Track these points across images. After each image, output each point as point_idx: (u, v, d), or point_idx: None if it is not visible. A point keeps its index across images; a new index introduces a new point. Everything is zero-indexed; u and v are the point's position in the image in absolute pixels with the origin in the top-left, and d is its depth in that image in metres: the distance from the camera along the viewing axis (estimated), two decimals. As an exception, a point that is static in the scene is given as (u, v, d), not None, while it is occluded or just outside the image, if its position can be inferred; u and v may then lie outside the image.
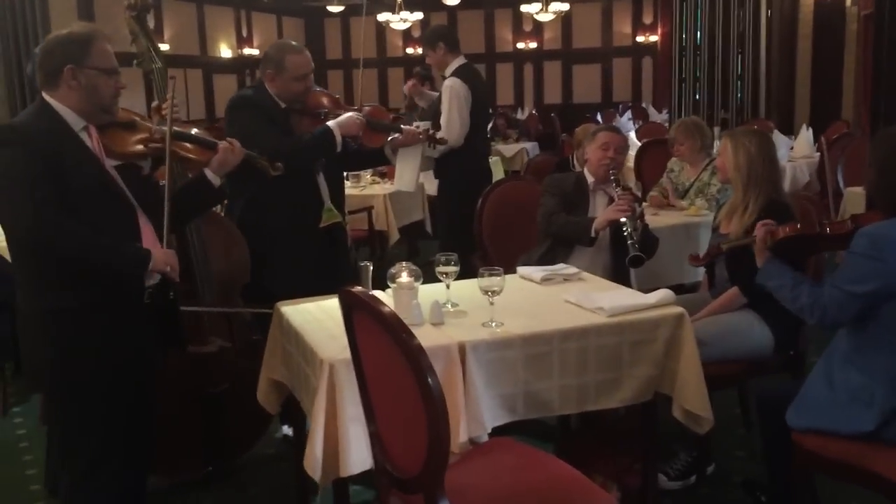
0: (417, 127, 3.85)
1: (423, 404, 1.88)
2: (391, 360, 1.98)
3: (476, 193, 4.36)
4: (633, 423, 3.08)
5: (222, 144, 2.70)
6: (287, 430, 3.59)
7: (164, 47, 15.47)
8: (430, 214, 6.43)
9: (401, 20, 15.94)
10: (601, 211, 3.74)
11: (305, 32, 20.58)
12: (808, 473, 2.52)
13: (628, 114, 13.50)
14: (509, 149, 9.98)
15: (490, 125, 11.44)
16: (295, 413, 3.06)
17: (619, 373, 2.71)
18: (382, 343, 2.00)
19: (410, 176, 4.37)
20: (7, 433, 3.92)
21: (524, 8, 15.90)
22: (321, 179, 3.54)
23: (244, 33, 18.23)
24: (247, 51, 17.84)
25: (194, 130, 2.79)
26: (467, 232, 4.32)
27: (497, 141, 10.16)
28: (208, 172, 2.67)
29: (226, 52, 17.65)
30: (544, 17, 15.25)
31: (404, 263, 2.84)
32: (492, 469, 2.30)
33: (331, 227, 2.82)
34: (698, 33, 9.81)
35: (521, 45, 19.21)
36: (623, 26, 18.72)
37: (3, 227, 2.40)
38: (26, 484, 3.40)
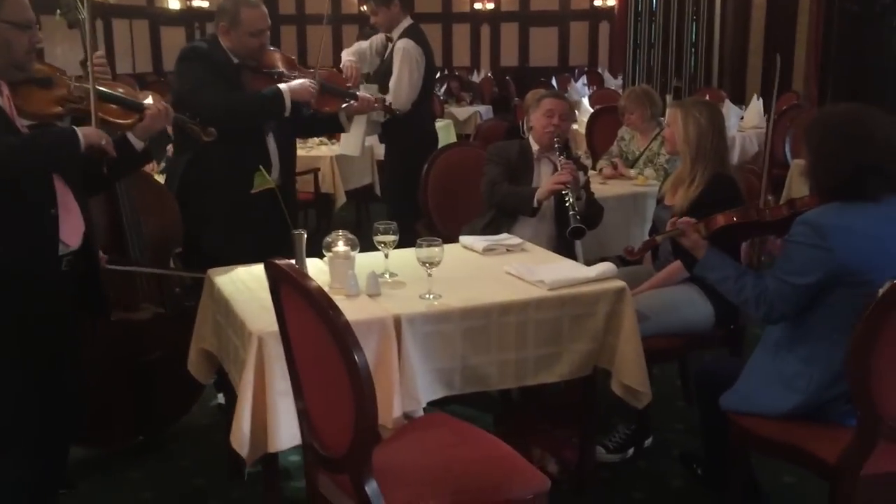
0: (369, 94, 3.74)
1: (350, 383, 1.82)
2: (318, 336, 1.90)
3: (422, 158, 4.26)
4: (572, 397, 3.05)
5: (149, 110, 2.56)
6: (221, 398, 3.50)
7: (108, -3, 15.12)
8: (380, 178, 6.32)
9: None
10: (545, 180, 3.68)
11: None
12: (742, 450, 2.51)
13: (583, 79, 13.43)
14: (462, 112, 9.86)
15: (444, 87, 11.32)
16: (228, 381, 2.98)
17: (558, 347, 2.67)
18: (309, 318, 1.92)
19: (356, 140, 4.27)
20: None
21: (481, -32, 15.66)
22: (271, 141, 3.43)
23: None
24: (196, 2, 17.32)
25: (120, 89, 2.64)
26: (412, 198, 4.23)
27: (450, 103, 10.03)
28: (130, 136, 2.53)
29: (174, 3, 17.13)
30: (502, -22, 15.03)
31: (341, 232, 2.76)
32: (424, 446, 2.24)
33: (265, 192, 2.72)
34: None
35: (478, 6, 18.96)
36: (581, -10, 18.60)
37: None
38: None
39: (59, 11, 2.81)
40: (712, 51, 9.30)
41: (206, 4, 17.46)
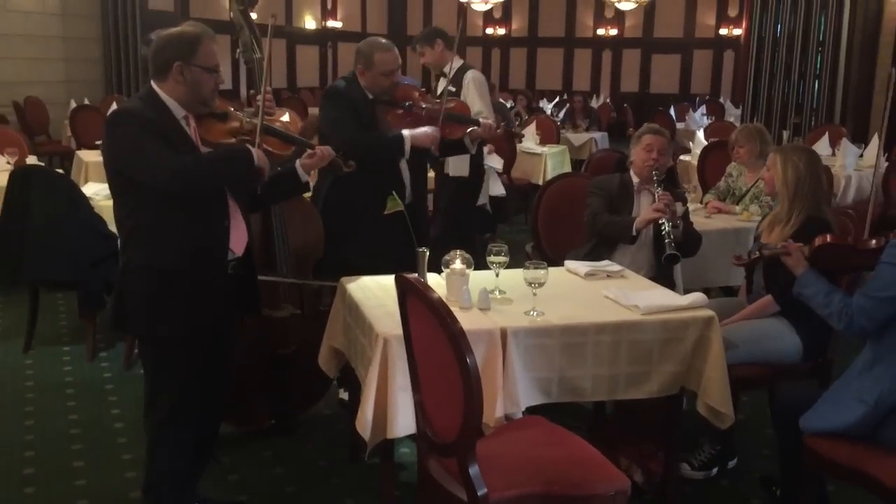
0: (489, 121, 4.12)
1: (462, 381, 2.16)
2: (437, 340, 2.25)
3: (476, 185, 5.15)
4: (660, 414, 3.31)
5: (317, 152, 3.00)
6: (343, 394, 3.91)
7: (252, 16, 16.15)
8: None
9: (482, 1, 16.10)
10: (645, 210, 3.96)
11: (388, 8, 20.89)
12: (814, 473, 2.71)
13: (702, 108, 13.43)
14: (578, 138, 10.11)
15: (564, 111, 11.62)
16: (351, 379, 3.38)
17: (648, 367, 2.94)
18: (430, 325, 2.27)
19: (464, 163, 4.77)
20: (95, 376, 4.34)
21: (607, -5, 15.88)
22: (404, 166, 3.86)
23: (328, 6, 18.63)
24: (330, 23, 18.26)
25: (278, 124, 3.08)
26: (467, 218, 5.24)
27: (566, 129, 10.30)
28: (299, 169, 2.97)
29: (310, 23, 18.09)
30: (626, 6, 15.22)
31: (458, 251, 3.12)
32: (521, 442, 2.56)
33: (395, 214, 3.11)
34: (779, 27, 9.72)
35: (601, 32, 19.18)
36: (707, 17, 18.54)
37: (142, 188, 2.61)
38: (111, 422, 3.80)
39: (238, 51, 3.31)
40: (836, 86, 9.23)
41: (339, 25, 18.38)
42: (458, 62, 5.25)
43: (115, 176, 2.64)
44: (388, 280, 3.23)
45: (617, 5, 15.68)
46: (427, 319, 2.30)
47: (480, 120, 4.00)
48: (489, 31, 20.03)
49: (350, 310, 3.15)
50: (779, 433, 2.99)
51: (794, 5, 9.30)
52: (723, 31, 18.18)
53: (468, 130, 3.96)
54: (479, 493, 2.23)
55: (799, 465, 2.82)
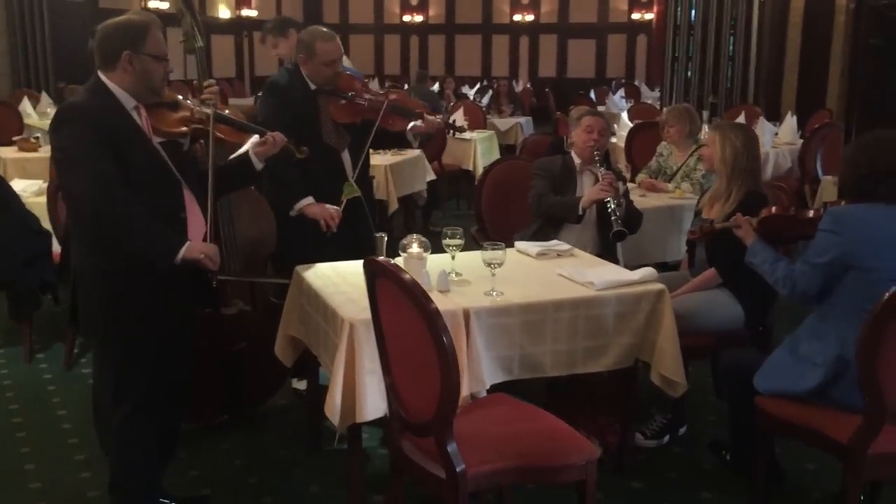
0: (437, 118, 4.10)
1: (438, 359, 2.20)
2: (409, 321, 2.29)
3: None
4: (614, 386, 3.42)
5: (269, 139, 2.95)
6: (298, 383, 3.90)
7: (163, 6, 15.67)
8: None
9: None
10: (588, 190, 4.06)
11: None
12: (767, 434, 2.85)
13: (621, 92, 13.74)
14: (504, 123, 10.22)
15: (488, 97, 11.72)
16: (309, 366, 3.39)
17: (604, 340, 3.04)
18: (402, 306, 2.30)
19: None
20: (35, 378, 4.21)
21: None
22: (346, 156, 3.84)
23: (242, -6, 18.27)
24: (245, 12, 17.91)
25: (227, 111, 3.04)
26: None
27: (492, 114, 10.40)
28: (253, 158, 2.92)
29: (224, 12, 17.72)
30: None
31: (415, 235, 3.15)
32: (489, 419, 2.61)
33: (351, 201, 3.11)
34: (692, 12, 10.00)
35: (517, 18, 19.36)
36: (619, 2, 18.92)
37: (66, 194, 2.66)
38: (59, 423, 3.70)
39: (180, 40, 3.24)
40: (748, 67, 9.58)
41: (254, 14, 18.06)
42: None
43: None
44: (345, 266, 3.28)
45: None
46: (398, 301, 2.33)
47: (425, 115, 4.00)
48: (406, 18, 20.00)
49: (308, 298, 3.14)
50: (729, 396, 3.13)
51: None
52: (635, 16, 18.60)
53: (411, 125, 3.96)
54: (457, 469, 2.28)
55: (750, 426, 2.96)
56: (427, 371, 2.28)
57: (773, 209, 3.03)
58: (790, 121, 7.91)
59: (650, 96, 14.24)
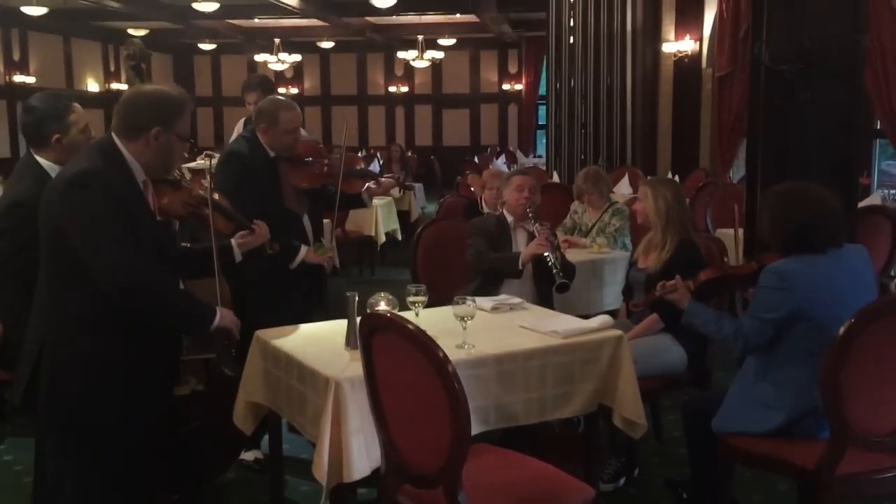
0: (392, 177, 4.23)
1: (449, 407, 2.24)
2: (413, 372, 2.32)
3: None
4: (569, 434, 3.53)
5: (256, 229, 2.95)
6: (246, 453, 3.80)
7: (29, 80, 15.13)
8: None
9: (278, 61, 16.17)
10: (523, 245, 4.22)
11: (174, 68, 20.43)
12: (730, 467, 3.01)
13: (503, 157, 14.26)
14: (396, 189, 10.36)
15: (380, 164, 11.89)
16: (272, 434, 3.32)
17: (571, 387, 3.14)
18: (406, 358, 2.34)
19: None
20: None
21: (400, 54, 16.49)
22: (305, 220, 3.86)
23: (112, 67, 17.92)
24: (115, 85, 17.51)
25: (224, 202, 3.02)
26: None
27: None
28: (235, 247, 2.90)
29: (93, 86, 17.28)
30: (420, 64, 15.89)
31: (381, 293, 3.19)
32: (482, 468, 2.64)
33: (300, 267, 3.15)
34: (572, 80, 10.52)
35: (392, 89, 19.81)
36: (490, 74, 19.72)
37: (85, 266, 2.37)
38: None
39: None
40: (626, 132, 10.17)
41: (123, 87, 17.67)
42: None
43: (61, 248, 2.38)
44: (310, 328, 3.29)
45: (412, 63, 16.29)
46: (402, 353, 2.37)
47: (381, 178, 4.14)
48: (282, 90, 20.06)
49: (276, 361, 3.10)
50: (689, 436, 3.28)
51: (584, 63, 10.17)
52: (506, 87, 19.39)
53: (365, 186, 4.05)
54: (467, 517, 2.31)
55: (710, 463, 3.13)
56: (433, 422, 2.31)
57: (710, 272, 3.19)
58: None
59: (527, 161, 14.85)
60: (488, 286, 4.14)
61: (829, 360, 2.57)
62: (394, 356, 2.41)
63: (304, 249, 3.72)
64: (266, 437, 3.77)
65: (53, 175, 2.90)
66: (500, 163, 13.22)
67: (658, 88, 10.30)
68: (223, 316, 2.54)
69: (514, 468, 2.64)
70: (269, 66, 16.73)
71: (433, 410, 2.30)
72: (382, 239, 8.48)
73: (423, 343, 2.27)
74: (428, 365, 2.27)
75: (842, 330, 2.56)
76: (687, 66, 9.85)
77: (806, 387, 2.80)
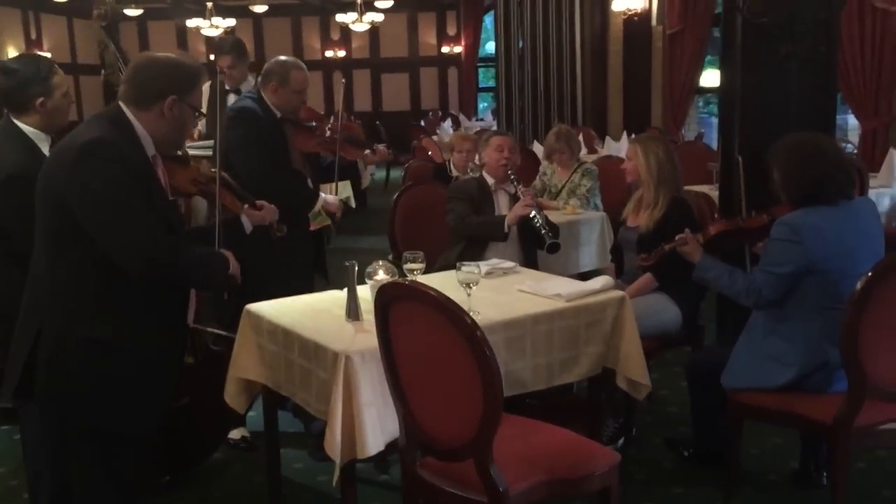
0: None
1: (481, 376, 2.14)
2: (439, 341, 2.22)
3: None
4: (565, 397, 3.48)
5: (265, 206, 2.81)
6: (234, 432, 3.66)
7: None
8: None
9: (211, 26, 15.63)
10: (505, 208, 4.14)
11: (68, 32, 19.55)
12: (739, 424, 3.00)
13: (449, 121, 14.11)
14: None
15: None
16: (267, 412, 3.19)
17: (577, 350, 3.08)
18: (429, 326, 2.23)
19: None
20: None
21: (339, 17, 16.10)
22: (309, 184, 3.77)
23: (33, 35, 17.12)
24: (38, 52, 16.73)
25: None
26: None
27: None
28: (245, 220, 2.76)
29: (13, 54, 16.46)
30: (359, 27, 15.54)
31: (380, 262, 3.06)
32: (505, 439, 2.55)
33: (321, 230, 3.01)
34: (521, 42, 10.43)
35: (329, 54, 19.38)
36: (428, 37, 19.42)
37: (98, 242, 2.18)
38: None
39: (103, 72, 3.00)
40: (576, 93, 10.13)
41: (47, 55, 16.90)
42: (252, 82, 5.09)
43: (66, 224, 2.17)
44: (306, 300, 3.15)
45: (351, 26, 15.92)
46: (421, 323, 2.26)
47: (377, 146, 4.10)
48: (212, 56, 19.46)
49: (273, 337, 2.96)
50: (694, 394, 3.26)
51: (533, 23, 10.08)
52: (445, 50, 19.15)
53: (365, 153, 3.99)
54: (500, 489, 2.22)
55: (715, 420, 3.12)
56: (461, 392, 2.22)
57: (722, 224, 3.15)
58: (627, 140, 8.47)
59: (470, 125, 14.73)
60: (473, 251, 4.04)
61: (847, 315, 2.55)
62: (414, 326, 2.30)
63: (322, 195, 3.73)
64: (250, 414, 3.66)
65: (38, 141, 2.69)
66: (447, 126, 13.06)
67: (608, 48, 10.26)
68: (233, 264, 2.45)
69: (535, 436, 2.57)
70: (202, 31, 16.16)
71: (461, 380, 2.20)
72: (317, 208, 8.31)
73: (449, 310, 2.16)
74: (455, 333, 2.16)
75: (859, 284, 2.54)
76: (637, 25, 9.82)
77: (817, 340, 2.79)
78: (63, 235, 2.21)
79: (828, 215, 2.80)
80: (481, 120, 16.31)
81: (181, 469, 3.38)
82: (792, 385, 2.83)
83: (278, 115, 3.72)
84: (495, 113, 16.42)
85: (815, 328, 2.78)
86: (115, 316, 2.23)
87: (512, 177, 4.14)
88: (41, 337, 2.24)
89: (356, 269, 3.01)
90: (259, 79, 3.81)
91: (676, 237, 3.15)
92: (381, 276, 3.01)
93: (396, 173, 12.95)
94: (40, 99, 2.68)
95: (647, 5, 9.78)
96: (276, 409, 3.22)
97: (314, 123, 3.82)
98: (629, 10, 9.55)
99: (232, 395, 3.12)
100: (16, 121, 2.70)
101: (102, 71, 3.03)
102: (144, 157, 2.29)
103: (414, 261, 3.12)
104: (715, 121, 13.97)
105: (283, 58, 3.87)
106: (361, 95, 19.65)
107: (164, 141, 2.36)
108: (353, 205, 8.91)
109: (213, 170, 2.61)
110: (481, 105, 19.91)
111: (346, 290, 3.21)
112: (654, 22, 9.87)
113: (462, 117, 16.47)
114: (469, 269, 2.94)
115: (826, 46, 4.14)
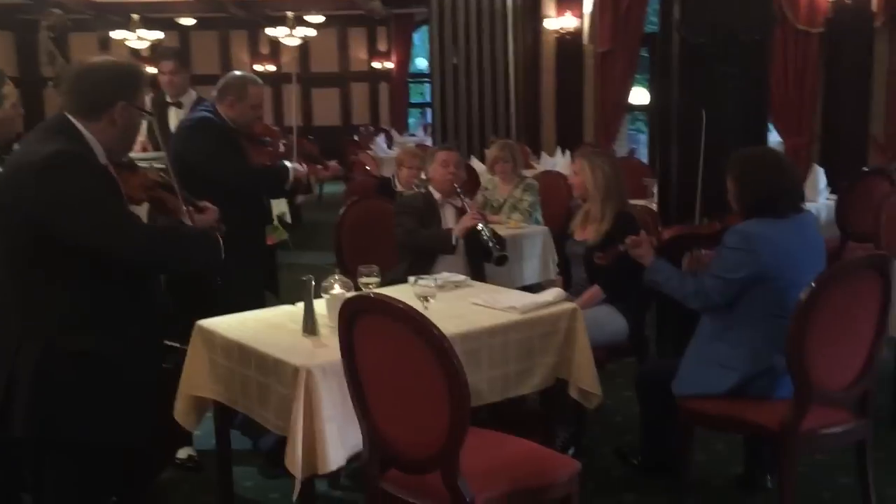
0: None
1: (448, 385, 2.16)
2: (405, 353, 2.23)
3: None
4: (522, 409, 3.53)
5: (207, 208, 2.76)
6: (179, 452, 3.58)
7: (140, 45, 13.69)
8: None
9: (138, 38, 15.32)
10: (452, 222, 4.18)
11: (16, 47, 19.03)
12: (690, 431, 3.07)
13: (383, 136, 14.11)
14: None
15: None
16: (220, 428, 3.14)
17: (531, 362, 3.12)
18: (395, 338, 2.24)
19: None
20: None
21: (270, 31, 15.96)
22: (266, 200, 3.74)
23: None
24: (-48, 64, 16.13)
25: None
26: None
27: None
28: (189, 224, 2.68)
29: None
30: (291, 41, 15.42)
31: (336, 276, 3.06)
32: (465, 450, 2.57)
33: (278, 244, 2.99)
34: (454, 58, 10.51)
35: (258, 68, 19.17)
36: (359, 52, 19.41)
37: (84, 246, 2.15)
38: None
39: (51, 83, 2.92)
40: (509, 108, 10.27)
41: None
42: (194, 95, 5.01)
43: (39, 236, 2.12)
44: (258, 315, 3.12)
45: (282, 40, 15.80)
46: (386, 335, 2.27)
47: (329, 163, 4.15)
48: (150, 69, 19.06)
49: (227, 352, 2.91)
50: (644, 403, 3.33)
51: (467, 39, 10.19)
52: (375, 65, 19.17)
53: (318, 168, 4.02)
54: (467, 500, 2.24)
55: (665, 428, 3.19)
56: (427, 404, 2.24)
57: (674, 229, 3.25)
58: (562, 155, 8.63)
59: (401, 140, 14.76)
60: (421, 264, 4.05)
61: (793, 324, 2.65)
62: (380, 339, 2.30)
63: (291, 167, 3.76)
64: (195, 433, 3.59)
65: None
66: (381, 142, 13.06)
67: (540, 65, 10.44)
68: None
69: (497, 447, 2.59)
70: (128, 43, 15.81)
71: (428, 393, 2.22)
72: (275, 223, 8.22)
73: (418, 322, 2.18)
74: (423, 345, 2.18)
75: (805, 294, 2.64)
76: (569, 43, 10.02)
77: (761, 347, 2.89)
78: (42, 251, 2.15)
79: (778, 227, 2.91)
80: (413, 135, 16.36)
81: (128, 490, 3.28)
82: (737, 390, 2.92)
83: (233, 128, 3.72)
84: (426, 129, 16.55)
85: (760, 335, 2.89)
86: (98, 326, 2.20)
87: (458, 191, 4.18)
88: (19, 356, 2.16)
89: (313, 283, 3.00)
90: (215, 93, 3.78)
91: (629, 238, 3.23)
92: (337, 290, 3.00)
93: (330, 188, 12.91)
94: None
95: (580, 25, 10.00)
96: (229, 426, 3.17)
97: (268, 139, 3.82)
98: (562, 29, 9.75)
99: (182, 413, 3.06)
100: None
101: (51, 83, 2.95)
102: (102, 167, 2.25)
103: (369, 275, 3.13)
104: (642, 137, 14.37)
105: (239, 73, 3.88)
106: (291, 110, 19.49)
107: (114, 148, 2.32)
108: (289, 220, 8.86)
109: (160, 175, 2.56)
110: (411, 120, 19.97)
111: (298, 304, 3.20)
112: (585, 41, 10.10)
113: (395, 133, 16.49)
114: (425, 282, 2.96)
115: (759, 67, 4.30)
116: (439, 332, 2.17)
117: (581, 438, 3.72)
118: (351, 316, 2.33)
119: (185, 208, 2.66)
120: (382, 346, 2.31)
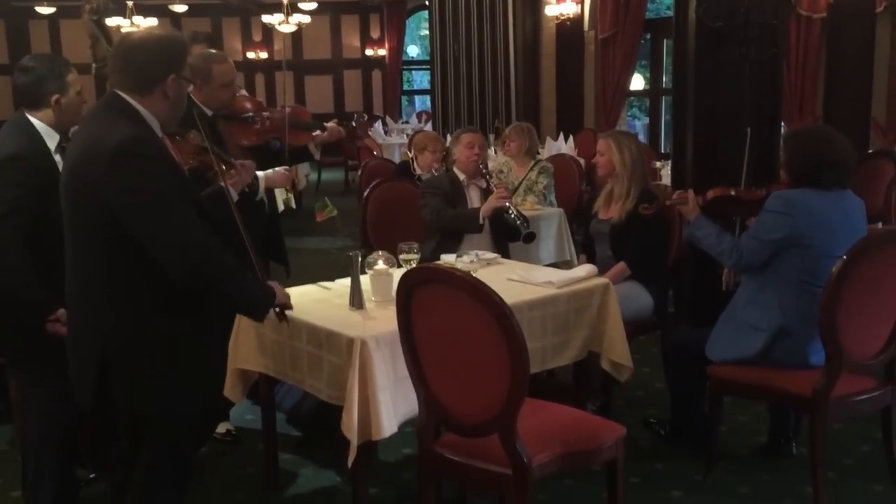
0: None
1: (509, 350, 2.25)
2: (465, 321, 2.32)
3: None
4: (554, 381, 3.64)
5: (238, 165, 2.79)
6: (219, 427, 3.66)
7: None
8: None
9: (132, 25, 15.25)
10: (477, 202, 4.28)
11: (7, 34, 18.93)
12: (720, 401, 3.19)
13: (379, 123, 14.15)
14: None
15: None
16: (263, 400, 3.24)
17: (567, 335, 3.23)
18: (455, 307, 2.33)
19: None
20: None
21: (265, 18, 15.93)
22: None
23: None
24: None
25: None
26: None
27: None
28: (230, 189, 2.69)
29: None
30: (286, 28, 15.41)
31: (380, 252, 3.15)
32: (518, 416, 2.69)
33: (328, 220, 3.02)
34: (455, 45, 10.55)
35: (251, 55, 19.14)
36: (352, 39, 19.41)
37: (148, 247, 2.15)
38: None
39: (94, 66, 2.98)
40: (510, 93, 10.34)
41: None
42: None
43: (116, 231, 2.13)
44: (295, 291, 3.19)
45: (278, 27, 15.78)
46: (446, 304, 2.36)
47: (326, 124, 3.94)
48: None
49: (275, 326, 2.98)
50: (673, 373, 3.44)
51: (467, 26, 10.24)
52: (368, 52, 19.17)
53: (314, 135, 3.89)
54: (525, 461, 2.34)
55: (694, 398, 3.31)
56: (487, 371, 2.33)
57: (719, 190, 3.33)
58: (565, 141, 8.71)
59: (398, 127, 14.80)
60: (448, 244, 4.15)
61: (826, 293, 2.77)
62: (440, 308, 2.39)
63: (261, 175, 3.47)
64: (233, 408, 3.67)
65: (46, 136, 2.68)
66: (379, 128, 13.12)
67: (540, 51, 10.51)
68: (279, 293, 2.41)
69: (545, 414, 2.69)
70: (123, 31, 15.76)
71: (487, 359, 2.31)
72: (281, 207, 8.28)
73: (480, 291, 2.27)
74: (484, 312, 2.27)
75: (838, 264, 2.75)
76: (569, 29, 10.09)
77: (792, 312, 3.00)
78: (116, 242, 2.16)
79: (821, 197, 3.01)
80: (407, 123, 16.39)
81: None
82: (765, 354, 3.03)
83: (209, 113, 3.49)
84: (420, 116, 16.58)
85: (793, 301, 2.99)
86: (191, 306, 2.23)
87: (484, 171, 4.28)
88: (111, 336, 2.21)
89: (359, 259, 3.09)
90: None
91: (677, 194, 3.33)
92: (381, 265, 3.09)
93: (328, 175, 12.96)
94: (55, 96, 2.68)
95: (580, 11, 10.08)
96: (273, 400, 3.26)
97: (251, 114, 3.64)
98: (562, 15, 9.82)
99: (229, 386, 3.14)
100: (29, 116, 2.70)
101: (94, 65, 3.00)
102: (167, 151, 2.29)
103: (409, 251, 3.22)
104: (638, 123, 14.49)
105: (203, 52, 3.66)
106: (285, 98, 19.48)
107: (167, 121, 2.34)
108: (294, 206, 8.90)
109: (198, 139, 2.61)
110: (405, 108, 19.99)
111: (338, 281, 3.32)
112: (586, 27, 10.17)
113: (390, 121, 16.51)
114: (469, 257, 3.05)
115: (775, 50, 4.41)
116: (500, 299, 2.26)
117: (607, 411, 3.82)
118: (409, 287, 2.42)
119: (221, 168, 2.70)
120: (442, 315, 2.40)
